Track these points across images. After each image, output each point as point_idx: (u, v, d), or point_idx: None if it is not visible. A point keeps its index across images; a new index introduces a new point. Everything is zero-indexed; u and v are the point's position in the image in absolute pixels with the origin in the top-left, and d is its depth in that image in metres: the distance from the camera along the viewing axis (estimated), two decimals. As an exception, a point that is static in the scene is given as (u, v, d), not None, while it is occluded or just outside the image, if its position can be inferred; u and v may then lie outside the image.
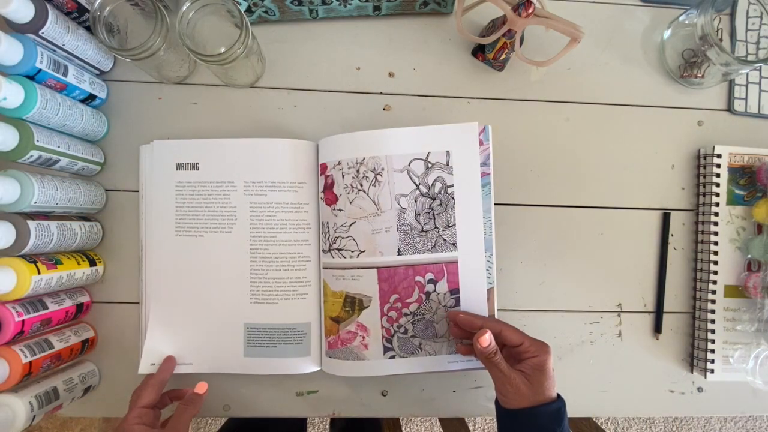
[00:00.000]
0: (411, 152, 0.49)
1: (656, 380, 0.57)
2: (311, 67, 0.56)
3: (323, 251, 0.52)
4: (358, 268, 0.50)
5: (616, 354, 0.57)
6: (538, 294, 0.57)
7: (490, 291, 0.50)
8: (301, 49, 0.56)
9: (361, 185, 0.49)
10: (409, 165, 0.49)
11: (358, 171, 0.49)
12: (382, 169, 0.49)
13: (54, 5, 0.45)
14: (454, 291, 0.50)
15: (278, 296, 0.51)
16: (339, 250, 0.50)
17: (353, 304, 0.50)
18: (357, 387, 0.54)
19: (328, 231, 0.51)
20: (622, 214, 0.58)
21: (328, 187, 0.51)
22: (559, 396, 0.45)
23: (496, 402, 0.47)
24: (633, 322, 0.57)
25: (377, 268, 0.50)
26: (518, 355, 0.45)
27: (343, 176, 0.50)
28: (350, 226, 0.50)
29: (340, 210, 0.50)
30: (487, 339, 0.44)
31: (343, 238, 0.50)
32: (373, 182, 0.49)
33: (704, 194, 0.57)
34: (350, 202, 0.50)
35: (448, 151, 0.49)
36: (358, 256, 0.50)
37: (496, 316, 0.50)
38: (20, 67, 0.42)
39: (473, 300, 0.50)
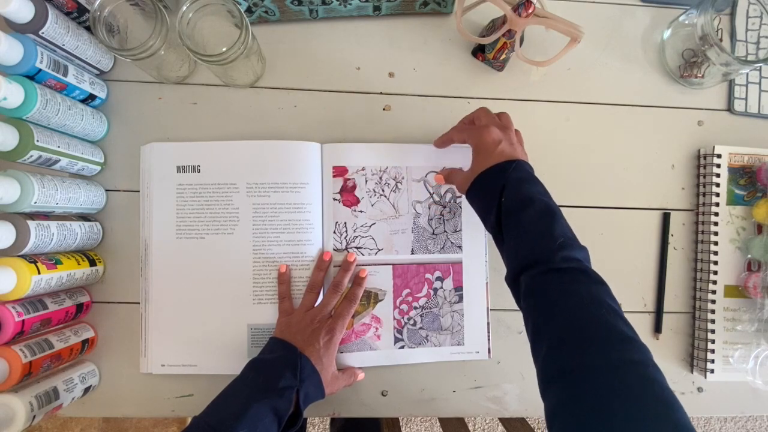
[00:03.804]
0: (428, 165, 0.55)
1: (656, 380, 0.57)
2: (311, 67, 0.56)
3: (336, 250, 0.54)
4: (376, 264, 0.54)
5: (616, 354, 0.57)
6: (538, 294, 0.57)
7: (485, 285, 0.56)
8: (301, 49, 0.56)
9: (383, 191, 0.55)
10: (425, 176, 0.55)
11: (381, 178, 0.55)
12: (402, 178, 0.55)
13: (54, 5, 0.45)
14: (458, 288, 0.55)
15: None
16: (358, 248, 0.54)
17: (369, 297, 0.54)
18: (357, 387, 0.54)
19: (346, 231, 0.54)
20: (622, 214, 0.58)
21: (348, 190, 0.54)
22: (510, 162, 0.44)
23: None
24: (633, 322, 0.56)
25: (393, 264, 0.54)
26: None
27: (366, 181, 0.54)
28: (371, 226, 0.54)
29: (361, 211, 0.54)
30: (439, 178, 0.54)
31: (363, 237, 0.54)
32: (394, 189, 0.55)
33: (704, 194, 0.57)
34: (372, 205, 0.55)
35: (460, 168, 0.54)
36: (376, 253, 0.54)
37: (489, 308, 0.55)
38: (20, 67, 0.42)
39: (474, 296, 0.55)
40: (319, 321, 0.49)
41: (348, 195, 0.54)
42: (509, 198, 0.42)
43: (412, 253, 0.55)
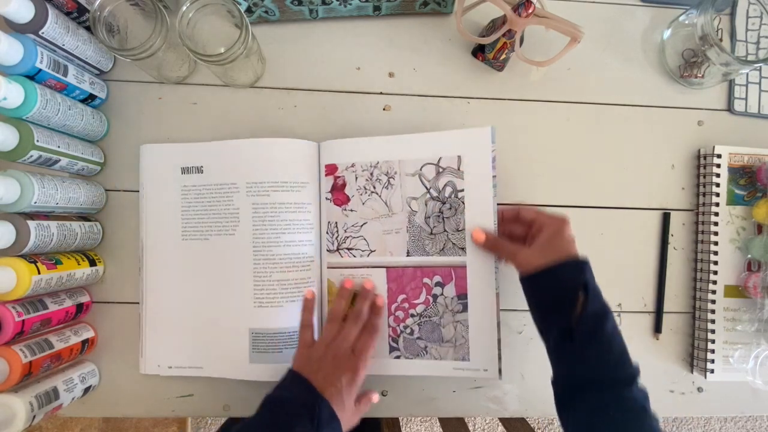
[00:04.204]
0: (422, 157, 0.51)
1: (656, 380, 0.57)
2: (311, 67, 0.56)
3: (328, 251, 0.52)
4: (368, 267, 0.51)
5: (616, 354, 0.57)
6: (538, 294, 0.56)
7: (496, 295, 0.50)
8: (301, 49, 0.56)
9: (374, 187, 0.51)
10: (420, 169, 0.51)
11: (371, 174, 0.51)
12: (395, 173, 0.51)
13: (54, 5, 0.45)
14: (462, 296, 0.50)
15: (283, 299, 0.51)
16: (349, 249, 0.52)
17: None
18: (357, 387, 0.54)
19: (337, 231, 0.52)
20: (622, 214, 0.58)
21: (338, 188, 0.52)
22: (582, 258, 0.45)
23: (520, 277, 0.47)
24: (633, 322, 0.57)
25: (386, 267, 0.51)
26: (536, 233, 0.46)
27: (356, 178, 0.51)
28: (362, 226, 0.51)
29: (351, 210, 0.51)
30: (479, 234, 0.48)
31: (354, 237, 0.51)
32: (386, 185, 0.51)
33: (704, 194, 0.57)
34: (362, 204, 0.51)
35: (459, 156, 0.50)
36: (368, 255, 0.51)
37: (500, 321, 0.50)
38: (20, 67, 0.42)
39: (481, 305, 0.50)
40: (341, 358, 0.46)
41: (338, 193, 0.52)
42: (593, 300, 0.42)
43: (408, 255, 0.51)
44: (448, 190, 0.51)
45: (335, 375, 0.45)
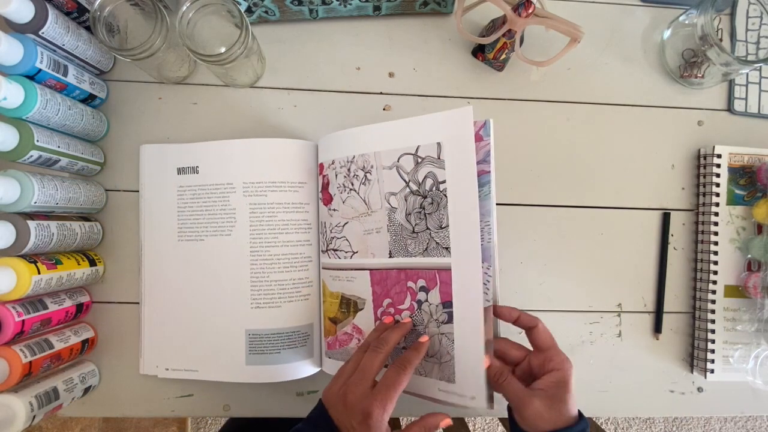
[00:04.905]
0: (400, 147, 0.46)
1: (656, 380, 0.57)
2: (311, 67, 0.56)
3: (322, 251, 0.52)
4: (351, 269, 0.49)
5: (616, 354, 0.57)
6: (538, 294, 0.57)
7: (488, 310, 0.42)
8: (301, 49, 0.56)
9: (352, 184, 0.48)
10: (398, 161, 0.46)
11: (349, 170, 0.48)
12: (371, 167, 0.47)
13: (54, 5, 0.45)
14: (447, 304, 0.44)
15: (281, 299, 0.51)
16: (335, 250, 0.50)
17: (348, 305, 0.50)
18: (357, 387, 0.54)
19: (326, 231, 0.51)
20: (622, 214, 0.58)
21: (325, 187, 0.51)
22: (581, 414, 0.41)
23: (510, 414, 0.43)
24: (633, 322, 0.57)
25: (370, 270, 0.48)
26: (542, 365, 0.42)
27: (336, 175, 0.49)
28: (344, 226, 0.49)
29: (334, 210, 0.50)
30: (485, 361, 0.41)
31: (338, 238, 0.49)
32: (363, 181, 0.47)
33: (704, 194, 0.57)
34: (343, 202, 0.49)
35: (439, 143, 0.44)
36: (351, 257, 0.49)
37: (497, 332, 0.47)
38: (20, 67, 0.42)
39: (467, 318, 0.43)
40: (356, 396, 0.39)
41: (325, 193, 0.50)
42: None
43: (390, 257, 0.46)
44: (429, 182, 0.45)
45: (346, 417, 0.38)
